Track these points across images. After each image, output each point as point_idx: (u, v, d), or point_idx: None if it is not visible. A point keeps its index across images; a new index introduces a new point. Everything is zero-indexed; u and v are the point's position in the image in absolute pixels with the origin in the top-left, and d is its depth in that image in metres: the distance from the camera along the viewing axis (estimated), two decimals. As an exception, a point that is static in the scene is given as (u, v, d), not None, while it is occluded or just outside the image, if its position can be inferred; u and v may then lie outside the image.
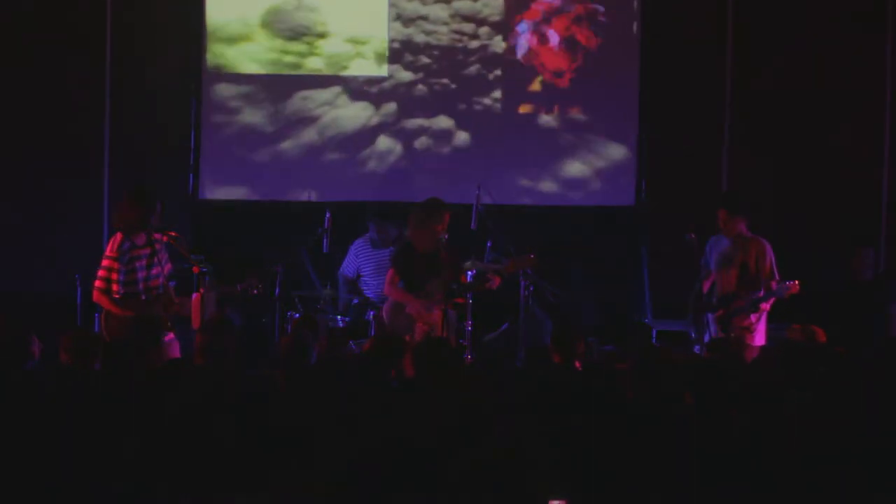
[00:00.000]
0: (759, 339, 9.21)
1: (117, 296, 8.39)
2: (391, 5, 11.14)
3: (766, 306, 9.21)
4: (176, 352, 8.39)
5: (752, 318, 9.17)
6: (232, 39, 11.08)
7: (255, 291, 9.06)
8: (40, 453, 5.65)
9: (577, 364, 7.41)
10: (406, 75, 11.17)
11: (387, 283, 9.49)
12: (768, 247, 9.28)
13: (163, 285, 8.51)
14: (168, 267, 8.69)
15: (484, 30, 11.21)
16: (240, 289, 9.03)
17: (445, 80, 11.20)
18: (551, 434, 5.83)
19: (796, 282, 9.06)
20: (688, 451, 5.77)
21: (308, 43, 11.13)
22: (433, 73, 11.20)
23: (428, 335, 9.15)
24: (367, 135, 11.19)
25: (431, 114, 11.22)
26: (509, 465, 5.20)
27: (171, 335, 8.44)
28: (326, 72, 11.14)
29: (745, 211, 9.30)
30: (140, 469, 5.59)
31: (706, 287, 9.26)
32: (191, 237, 10.78)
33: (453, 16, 11.23)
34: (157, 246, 8.52)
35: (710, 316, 9.19)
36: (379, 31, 11.14)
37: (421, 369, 6.92)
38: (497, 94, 11.25)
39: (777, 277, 9.20)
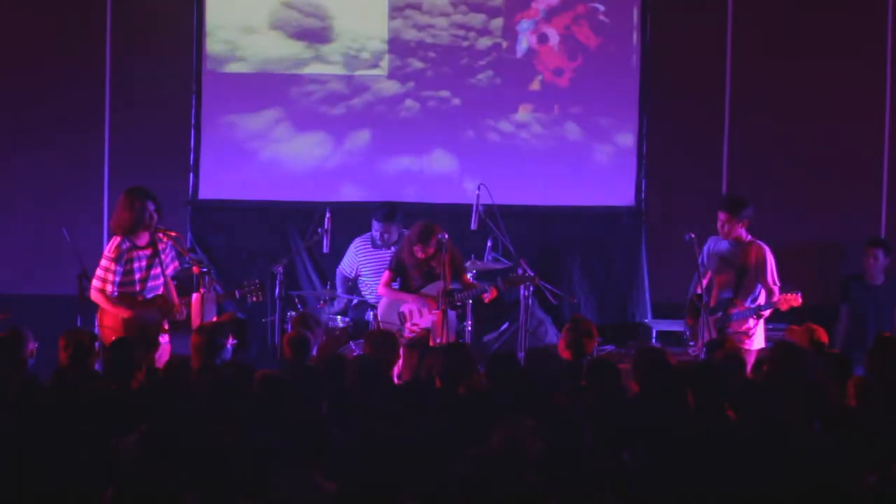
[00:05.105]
0: (758, 342, 9.16)
1: (113, 295, 8.38)
2: (391, 5, 11.13)
3: (765, 314, 9.14)
4: (165, 356, 8.31)
5: (750, 322, 9.11)
6: (232, 38, 11.06)
7: (255, 299, 9.05)
8: (40, 453, 5.65)
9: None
10: (406, 74, 11.16)
11: (381, 284, 9.55)
12: (768, 252, 9.08)
13: (162, 286, 8.50)
14: (174, 266, 8.68)
15: (484, 29, 11.19)
16: (238, 295, 9.03)
17: (445, 80, 11.19)
18: (550, 433, 5.83)
19: (798, 294, 8.95)
20: (687, 450, 5.77)
21: (308, 42, 11.12)
22: (433, 72, 11.18)
23: (422, 335, 9.18)
24: (366, 134, 11.17)
25: (431, 113, 11.20)
26: (508, 465, 5.19)
27: (167, 338, 8.43)
28: (326, 71, 11.13)
29: (748, 216, 9.13)
30: (141, 469, 5.59)
31: (701, 286, 9.22)
32: (191, 237, 10.79)
33: (453, 15, 11.21)
34: (161, 246, 8.50)
35: (709, 318, 9.09)
36: (378, 30, 11.13)
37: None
38: (497, 93, 11.22)
39: (778, 283, 9.09)
